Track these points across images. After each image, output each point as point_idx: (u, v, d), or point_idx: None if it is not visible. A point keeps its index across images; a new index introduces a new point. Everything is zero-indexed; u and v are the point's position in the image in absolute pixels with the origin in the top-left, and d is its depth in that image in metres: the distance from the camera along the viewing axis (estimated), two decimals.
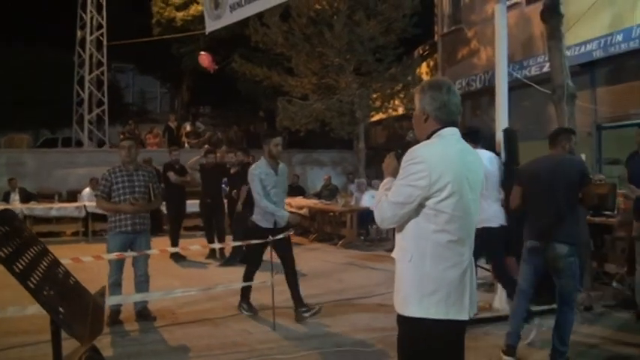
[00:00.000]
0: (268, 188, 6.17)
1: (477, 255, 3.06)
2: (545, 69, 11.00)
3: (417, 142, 2.76)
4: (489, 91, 13.51)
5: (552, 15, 6.70)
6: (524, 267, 4.85)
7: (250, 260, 6.46)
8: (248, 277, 6.39)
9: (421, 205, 2.53)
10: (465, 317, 2.58)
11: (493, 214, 5.64)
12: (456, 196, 2.52)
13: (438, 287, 2.51)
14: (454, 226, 2.54)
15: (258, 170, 6.19)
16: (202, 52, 14.25)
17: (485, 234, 5.08)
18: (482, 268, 7.75)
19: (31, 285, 1.76)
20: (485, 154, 5.68)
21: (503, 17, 6.18)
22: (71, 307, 1.98)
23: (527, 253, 4.81)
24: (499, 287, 6.19)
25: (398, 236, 2.68)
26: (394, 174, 2.72)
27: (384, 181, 2.78)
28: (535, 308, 5.61)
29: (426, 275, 2.52)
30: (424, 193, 2.49)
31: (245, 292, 6.51)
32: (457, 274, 2.55)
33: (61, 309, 1.83)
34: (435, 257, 2.53)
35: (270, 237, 6.05)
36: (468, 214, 2.60)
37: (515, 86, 10.55)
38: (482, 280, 7.32)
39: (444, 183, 2.49)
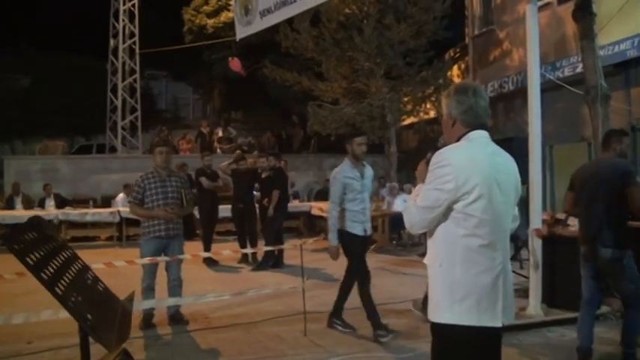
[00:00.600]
0: (354, 194, 5.69)
1: None
2: (579, 70, 10.80)
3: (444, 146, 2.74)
4: (522, 92, 13.30)
5: (584, 14, 6.58)
6: (582, 273, 4.77)
7: (353, 271, 5.84)
8: (346, 289, 5.91)
9: (450, 209, 2.49)
10: (498, 324, 2.52)
11: None
12: (484, 199, 2.47)
13: (469, 293, 2.46)
14: (484, 230, 2.49)
15: (343, 174, 5.70)
16: (231, 58, 14.39)
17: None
18: (517, 273, 7.66)
19: (59, 291, 1.78)
20: None
21: (534, 18, 6.08)
22: (99, 313, 1.99)
23: (582, 259, 4.73)
24: (533, 292, 6.08)
25: (429, 241, 2.65)
26: (425, 180, 2.69)
27: (417, 187, 2.76)
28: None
29: (456, 281, 2.48)
30: (451, 197, 2.46)
31: (338, 307, 5.97)
32: (489, 279, 2.49)
33: (88, 315, 1.84)
34: (465, 262, 2.48)
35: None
36: (499, 217, 2.55)
37: (548, 88, 10.40)
38: (518, 285, 7.21)
39: (471, 186, 2.45)
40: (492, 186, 2.51)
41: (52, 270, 1.85)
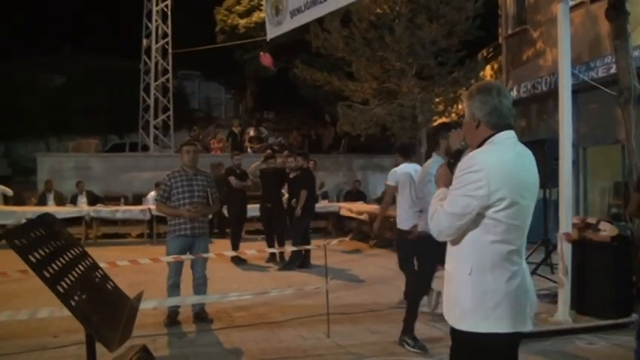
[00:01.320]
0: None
1: None
2: (613, 70, 10.52)
3: (468, 150, 2.66)
4: (555, 93, 12.97)
5: (618, 14, 6.40)
6: None
7: (423, 278, 5.55)
8: (416, 299, 5.52)
9: (479, 215, 2.42)
10: (529, 328, 2.49)
11: (406, 218, 6.21)
12: (515, 205, 2.41)
13: (501, 300, 2.41)
14: (513, 235, 2.44)
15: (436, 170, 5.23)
16: (262, 53, 14.41)
17: (401, 235, 6.28)
18: (547, 278, 7.51)
19: (61, 290, 1.78)
20: (412, 167, 6.51)
21: (566, 17, 5.94)
22: (104, 312, 1.99)
23: None
24: (562, 297, 5.94)
25: (453, 248, 2.57)
26: (448, 184, 2.62)
27: (438, 191, 2.67)
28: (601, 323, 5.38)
29: (488, 289, 2.42)
30: (483, 203, 2.38)
31: (410, 321, 5.42)
32: (517, 283, 2.44)
33: (92, 314, 1.84)
34: (495, 269, 2.42)
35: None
36: (525, 221, 2.50)
37: (581, 88, 10.17)
38: (548, 290, 7.08)
39: (503, 192, 2.38)
40: (521, 190, 2.44)
41: (56, 268, 1.85)
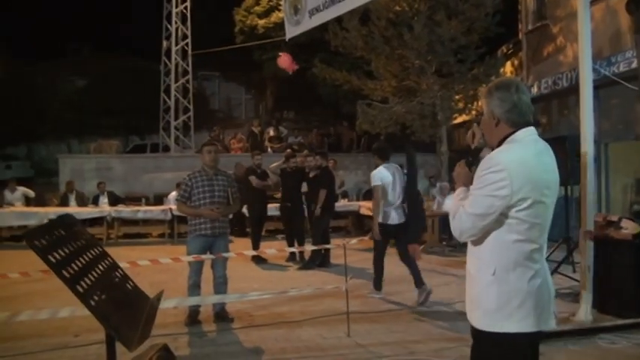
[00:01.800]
0: None
1: None
2: (635, 65, 10.37)
3: (487, 147, 2.64)
4: (576, 89, 12.82)
5: (638, 7, 6.29)
6: None
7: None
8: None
9: (502, 215, 2.40)
10: (552, 326, 2.49)
11: (393, 215, 7.30)
12: (537, 203, 2.39)
13: (526, 299, 2.40)
14: (536, 233, 2.42)
15: None
16: (282, 54, 14.36)
17: (387, 229, 7.29)
18: (569, 277, 7.42)
19: (80, 290, 1.80)
20: (392, 166, 7.41)
21: (586, 11, 5.86)
22: (124, 311, 2.01)
23: None
24: (584, 297, 5.87)
25: (474, 248, 2.55)
26: (467, 183, 2.61)
27: (457, 191, 2.66)
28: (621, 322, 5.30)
29: (512, 288, 2.41)
30: (505, 203, 2.36)
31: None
32: (540, 281, 2.43)
33: (111, 314, 1.86)
34: (519, 268, 2.41)
35: None
36: (547, 219, 2.48)
37: (603, 84, 10.05)
38: (569, 289, 7.00)
39: (526, 192, 2.36)
40: (543, 189, 2.42)
41: (75, 268, 1.87)
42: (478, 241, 2.51)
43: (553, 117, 14.84)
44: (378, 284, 7.57)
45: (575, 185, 7.16)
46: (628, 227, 5.88)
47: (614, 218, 6.09)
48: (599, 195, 11.79)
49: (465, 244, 9.16)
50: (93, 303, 1.82)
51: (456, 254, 11.28)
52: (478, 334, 2.54)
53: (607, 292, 5.94)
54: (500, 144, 2.53)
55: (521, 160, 2.41)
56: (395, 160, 7.70)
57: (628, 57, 11.04)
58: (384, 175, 7.33)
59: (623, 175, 12.09)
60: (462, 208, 2.49)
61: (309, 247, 9.28)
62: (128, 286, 2.34)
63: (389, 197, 7.30)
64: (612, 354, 5.07)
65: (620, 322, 5.44)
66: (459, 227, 2.50)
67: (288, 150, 12.39)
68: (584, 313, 5.79)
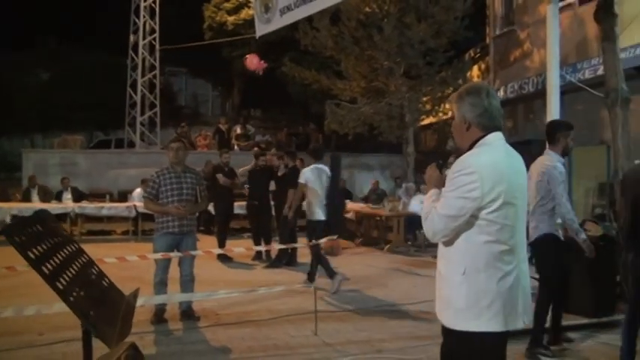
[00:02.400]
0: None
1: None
2: (600, 72, 10.62)
3: (458, 151, 2.69)
4: (542, 94, 13.06)
5: (606, 15, 6.45)
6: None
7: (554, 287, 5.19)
8: (553, 310, 5.21)
9: (473, 216, 2.44)
10: (520, 325, 2.54)
11: (319, 212, 7.93)
12: (507, 205, 2.45)
13: (494, 299, 2.45)
14: (506, 235, 2.47)
15: (558, 170, 4.93)
16: (248, 55, 14.22)
17: (313, 225, 7.97)
18: (532, 277, 7.56)
19: (60, 286, 1.77)
20: (321, 166, 8.14)
21: (555, 19, 6.00)
22: (101, 308, 1.98)
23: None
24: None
25: (445, 249, 2.59)
26: (439, 185, 2.65)
27: (429, 193, 2.70)
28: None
29: (482, 288, 2.46)
30: (476, 205, 2.41)
31: (539, 332, 5.03)
32: (510, 283, 2.48)
33: (90, 311, 1.83)
34: (489, 269, 2.46)
35: None
36: (518, 220, 2.54)
37: (568, 90, 10.25)
38: (532, 290, 7.12)
39: (496, 193, 2.42)
40: (513, 191, 2.48)
41: (54, 264, 1.84)
42: (449, 242, 2.55)
43: (519, 121, 15.12)
44: (331, 273, 7.76)
45: None
46: (591, 230, 6.02)
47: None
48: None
49: (429, 245, 9.39)
50: (72, 299, 1.79)
51: (420, 254, 11.39)
52: (448, 333, 2.59)
53: (571, 293, 6.06)
54: (470, 147, 2.59)
55: (492, 163, 2.46)
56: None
57: (594, 64, 11.31)
58: (308, 175, 8.00)
59: (586, 180, 12.38)
60: (434, 209, 2.53)
61: (276, 246, 9.27)
62: (104, 283, 2.31)
63: (314, 195, 7.95)
64: (576, 352, 5.20)
65: (585, 321, 5.57)
66: (432, 228, 2.53)
67: (256, 148, 12.38)
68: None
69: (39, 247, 1.81)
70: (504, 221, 2.45)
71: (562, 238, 5.06)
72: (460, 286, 2.49)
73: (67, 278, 1.85)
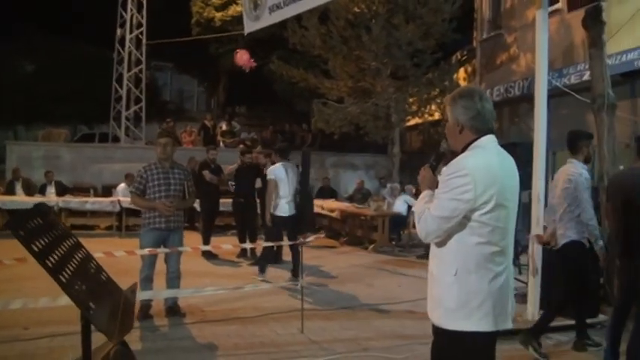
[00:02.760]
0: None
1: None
2: (586, 77, 10.75)
3: (452, 153, 2.72)
4: (528, 98, 13.23)
5: (594, 23, 6.54)
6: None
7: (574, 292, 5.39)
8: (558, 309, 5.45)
9: (465, 218, 2.48)
10: (509, 326, 2.59)
11: (287, 209, 8.36)
12: (499, 207, 2.49)
13: (485, 299, 2.49)
14: (497, 237, 2.51)
15: (584, 176, 5.11)
16: (239, 50, 14.14)
17: (276, 219, 8.36)
18: (516, 279, 7.64)
19: (63, 279, 1.77)
20: (288, 164, 8.55)
21: (544, 24, 6.05)
22: (102, 303, 1.98)
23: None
24: (531, 298, 6.08)
25: (437, 250, 2.63)
26: (432, 186, 2.69)
27: (422, 194, 2.74)
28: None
29: (472, 289, 2.50)
30: (469, 207, 2.46)
31: (583, 325, 5.44)
32: (500, 283, 2.53)
33: (91, 304, 1.83)
34: (480, 270, 2.50)
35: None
36: (509, 222, 2.58)
37: (554, 94, 10.35)
38: (516, 290, 7.20)
39: (489, 196, 2.46)
40: (506, 193, 2.53)
41: (56, 258, 1.84)
42: (441, 243, 2.59)
43: (504, 124, 15.23)
44: (265, 265, 8.52)
45: (524, 191, 7.37)
46: None
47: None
48: (546, 201, 12.17)
49: (412, 245, 9.47)
50: (75, 293, 1.79)
51: (405, 254, 11.46)
52: (439, 332, 2.63)
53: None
54: (464, 150, 2.63)
55: (485, 166, 2.50)
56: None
57: (580, 69, 11.45)
58: (277, 171, 8.40)
59: None
60: (427, 210, 2.57)
61: (263, 244, 9.27)
62: (102, 277, 2.31)
63: (281, 191, 8.34)
64: (559, 353, 5.28)
65: (567, 322, 5.64)
66: (425, 229, 2.57)
67: (242, 145, 12.36)
68: (532, 313, 6.00)
69: (41, 241, 1.81)
70: (496, 223, 2.50)
71: (587, 246, 5.19)
72: (451, 287, 2.53)
73: (69, 272, 1.85)
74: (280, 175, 8.37)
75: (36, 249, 1.74)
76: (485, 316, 2.49)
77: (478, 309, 2.49)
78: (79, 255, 2.15)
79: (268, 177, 8.53)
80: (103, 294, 2.14)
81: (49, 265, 1.75)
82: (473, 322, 2.50)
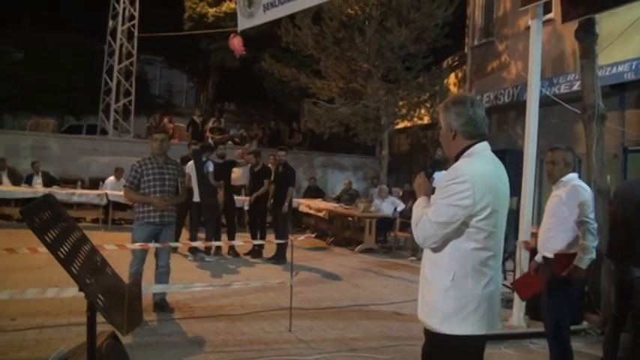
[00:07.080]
0: None
1: None
2: (576, 87, 10.85)
3: (447, 160, 2.77)
4: (517, 105, 13.39)
5: (587, 34, 6.61)
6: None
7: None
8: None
9: (463, 224, 2.51)
10: (500, 328, 2.64)
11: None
12: (495, 213, 2.53)
13: (480, 303, 2.53)
14: (492, 242, 2.56)
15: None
16: (235, 36, 14.09)
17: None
18: (502, 284, 7.73)
19: (74, 271, 1.78)
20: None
21: (538, 33, 6.13)
22: (109, 295, 2.00)
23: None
24: (517, 303, 6.15)
25: (433, 255, 2.65)
26: (428, 193, 2.72)
27: (418, 200, 2.76)
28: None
29: (469, 293, 2.53)
30: (468, 213, 2.48)
31: None
32: (493, 287, 2.58)
33: (100, 297, 1.85)
34: (476, 274, 2.54)
35: None
36: (502, 228, 2.63)
37: (543, 103, 10.46)
38: (502, 296, 7.26)
39: (486, 202, 2.49)
40: (500, 199, 2.58)
41: (67, 249, 1.85)
42: (438, 248, 2.61)
43: (493, 131, 15.31)
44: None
45: (512, 197, 7.45)
46: None
47: None
48: (533, 208, 12.29)
49: (398, 247, 9.52)
50: (87, 285, 1.80)
51: (391, 256, 11.52)
52: (432, 336, 2.65)
53: (538, 300, 6.22)
54: (458, 156, 2.67)
55: (483, 172, 2.55)
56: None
57: (570, 79, 11.55)
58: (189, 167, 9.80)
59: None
60: (425, 216, 2.59)
61: (252, 242, 9.32)
62: (108, 271, 2.32)
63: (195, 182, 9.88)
64: (543, 357, 5.33)
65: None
66: (422, 234, 2.59)
67: (230, 142, 12.36)
68: (518, 318, 6.07)
69: (53, 232, 1.82)
70: (492, 229, 2.54)
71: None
72: (448, 292, 2.56)
73: (79, 264, 1.87)
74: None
75: (49, 240, 1.75)
76: (480, 319, 2.53)
77: (474, 313, 2.53)
78: (86, 247, 2.16)
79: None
80: (110, 287, 2.15)
81: (61, 256, 1.76)
82: (468, 325, 2.53)
